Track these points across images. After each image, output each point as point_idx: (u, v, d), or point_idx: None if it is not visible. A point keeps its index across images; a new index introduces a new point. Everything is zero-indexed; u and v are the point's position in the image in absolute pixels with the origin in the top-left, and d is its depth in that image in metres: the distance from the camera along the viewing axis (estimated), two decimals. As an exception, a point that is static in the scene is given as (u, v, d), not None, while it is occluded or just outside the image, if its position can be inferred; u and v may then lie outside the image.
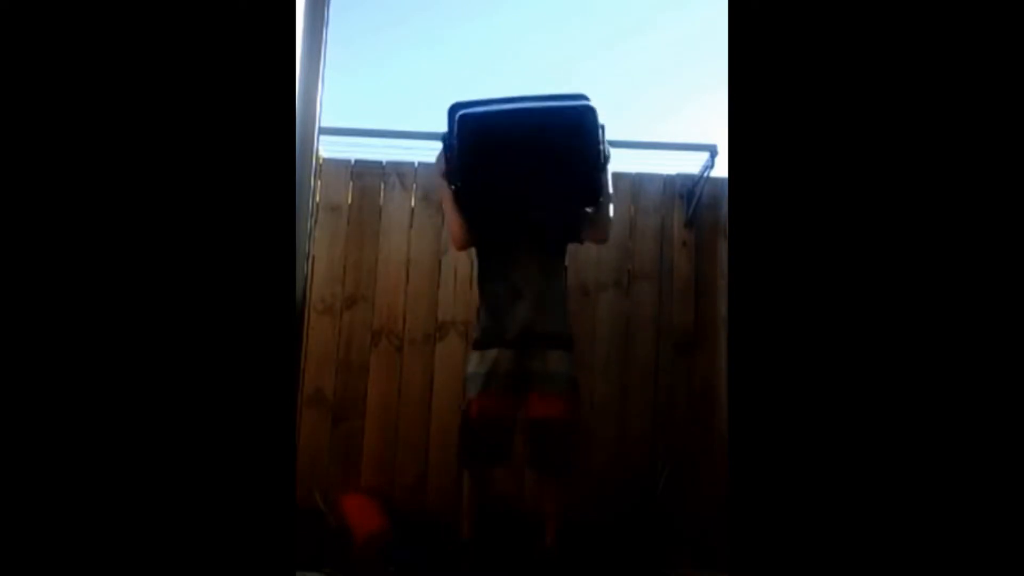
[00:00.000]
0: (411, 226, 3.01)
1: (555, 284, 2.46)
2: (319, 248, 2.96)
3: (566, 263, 2.53)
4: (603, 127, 2.30)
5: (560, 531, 2.34)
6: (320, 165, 2.99)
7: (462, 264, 2.95)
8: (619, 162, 3.17)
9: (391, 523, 2.62)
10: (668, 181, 3.10)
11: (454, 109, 2.31)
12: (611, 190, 2.49)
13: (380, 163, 3.06)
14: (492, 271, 2.48)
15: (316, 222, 2.95)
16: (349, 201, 3.02)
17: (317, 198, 2.97)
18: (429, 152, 2.75)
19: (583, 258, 3.02)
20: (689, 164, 3.07)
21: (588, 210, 2.44)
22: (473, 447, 2.36)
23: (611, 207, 2.57)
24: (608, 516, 2.77)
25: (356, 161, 3.06)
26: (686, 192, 3.06)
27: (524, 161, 2.27)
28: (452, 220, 2.44)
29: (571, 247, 2.54)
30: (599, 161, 2.31)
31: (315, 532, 2.61)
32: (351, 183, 3.05)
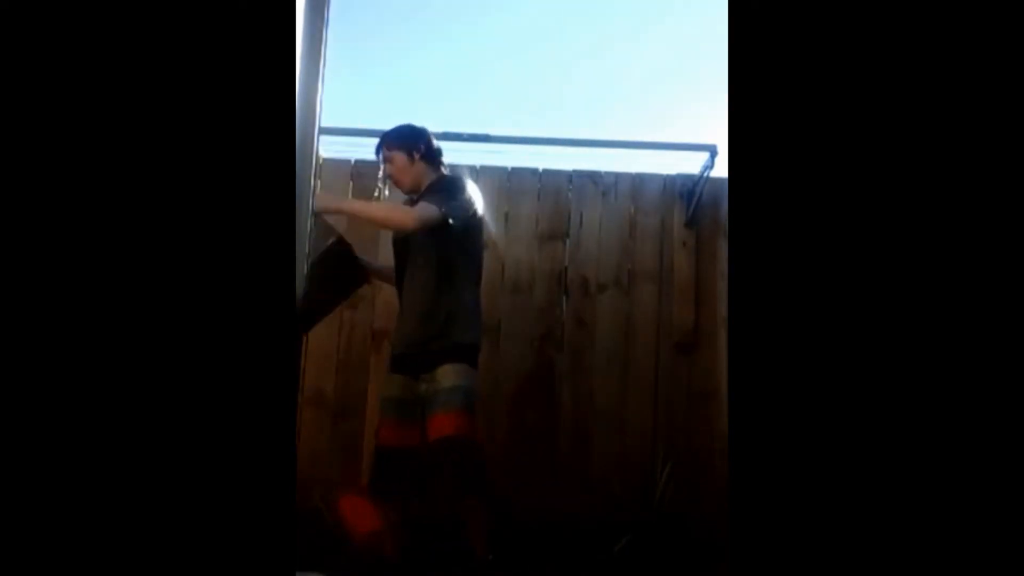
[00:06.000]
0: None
1: (427, 285, 2.30)
2: (319, 248, 2.96)
3: (432, 252, 2.30)
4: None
5: (490, 536, 2.19)
6: (320, 165, 2.99)
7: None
8: (619, 162, 3.18)
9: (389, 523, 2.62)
10: (668, 181, 3.11)
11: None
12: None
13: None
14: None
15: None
16: (349, 201, 3.02)
17: (317, 198, 2.96)
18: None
19: (583, 257, 3.02)
20: (689, 164, 3.07)
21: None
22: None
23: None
24: (609, 517, 2.77)
25: (356, 161, 3.06)
26: (686, 192, 3.06)
27: None
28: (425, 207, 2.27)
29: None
30: None
31: (315, 532, 2.60)
32: (351, 183, 3.05)
